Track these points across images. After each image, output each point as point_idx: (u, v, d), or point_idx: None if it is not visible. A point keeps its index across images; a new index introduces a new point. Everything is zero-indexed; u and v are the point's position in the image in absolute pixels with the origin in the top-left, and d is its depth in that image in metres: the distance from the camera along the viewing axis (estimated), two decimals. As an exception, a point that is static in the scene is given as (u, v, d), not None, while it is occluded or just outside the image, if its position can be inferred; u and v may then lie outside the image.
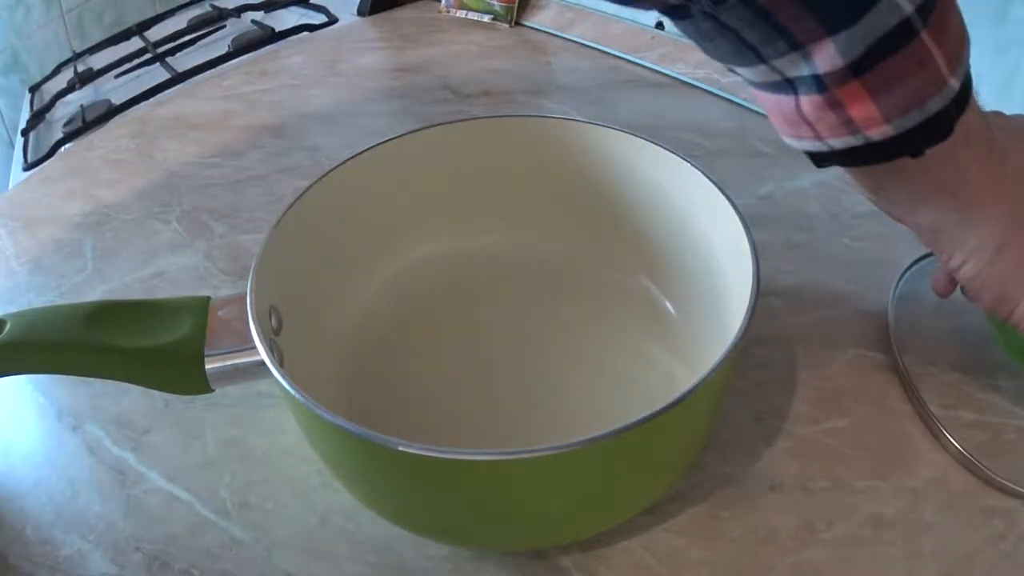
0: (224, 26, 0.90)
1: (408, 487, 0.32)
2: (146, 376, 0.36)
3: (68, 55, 0.96)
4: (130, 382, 0.37)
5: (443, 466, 0.29)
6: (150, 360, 0.36)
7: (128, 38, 0.93)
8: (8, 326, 0.35)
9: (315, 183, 0.41)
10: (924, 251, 0.47)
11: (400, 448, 0.28)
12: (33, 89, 0.92)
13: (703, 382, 0.30)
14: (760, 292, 0.33)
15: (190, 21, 0.93)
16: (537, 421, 0.40)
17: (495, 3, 0.79)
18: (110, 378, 0.37)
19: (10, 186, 0.71)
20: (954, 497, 0.37)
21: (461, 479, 0.30)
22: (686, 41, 0.69)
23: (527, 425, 0.39)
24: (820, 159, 0.32)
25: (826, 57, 0.28)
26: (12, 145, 1.01)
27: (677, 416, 0.30)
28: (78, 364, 0.36)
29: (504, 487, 0.31)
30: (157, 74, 0.77)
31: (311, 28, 0.83)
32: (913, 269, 0.47)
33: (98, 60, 0.88)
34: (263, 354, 0.33)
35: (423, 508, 0.34)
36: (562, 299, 0.46)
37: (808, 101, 0.30)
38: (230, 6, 0.94)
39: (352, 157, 0.42)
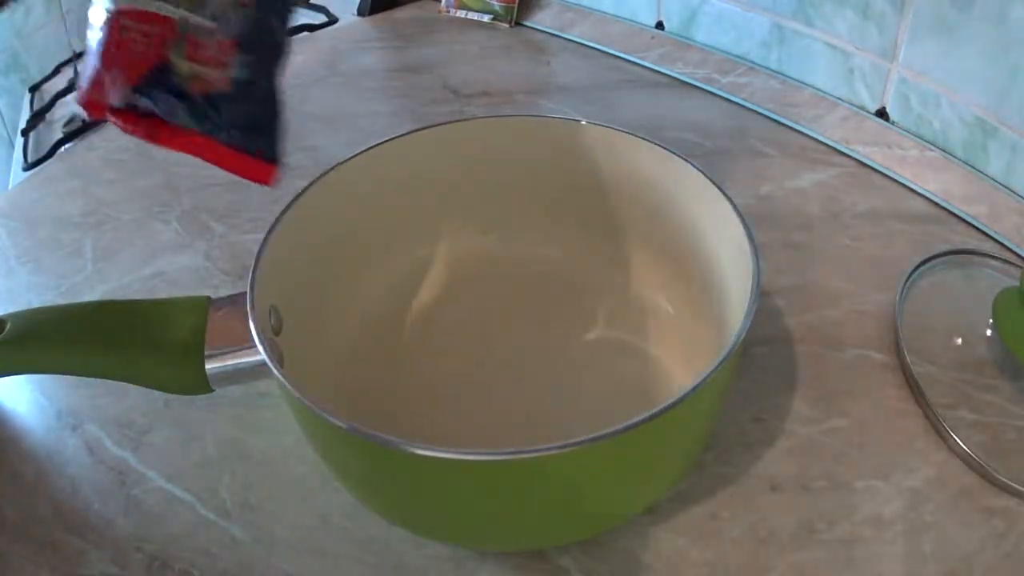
0: (224, 26, 0.89)
1: (408, 487, 0.32)
2: (146, 376, 0.36)
3: (68, 55, 0.96)
4: (130, 382, 0.37)
5: (443, 466, 0.29)
6: (150, 360, 0.36)
7: (128, 38, 0.92)
8: (8, 326, 0.35)
9: (315, 183, 0.41)
10: (928, 252, 0.47)
11: (400, 448, 0.28)
12: (33, 89, 0.92)
13: (703, 382, 0.30)
14: (760, 292, 0.33)
15: (190, 21, 0.92)
16: (537, 421, 0.40)
17: (495, 3, 0.79)
18: (110, 378, 0.37)
19: (10, 186, 0.71)
20: (954, 497, 0.37)
21: (461, 479, 0.30)
22: (686, 41, 0.69)
23: (527, 425, 0.39)
24: None
25: None
26: (12, 145, 1.01)
27: (677, 416, 0.30)
28: (78, 364, 0.36)
29: (504, 487, 0.31)
30: (157, 74, 0.76)
31: (311, 28, 0.83)
32: (918, 271, 0.47)
33: (98, 60, 0.88)
34: (263, 354, 0.33)
35: (423, 508, 0.34)
36: (562, 299, 0.46)
37: None
38: (230, 6, 0.93)
39: (352, 157, 0.42)
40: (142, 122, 0.51)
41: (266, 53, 0.53)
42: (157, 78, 0.48)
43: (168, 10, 0.49)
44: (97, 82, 0.51)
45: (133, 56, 0.50)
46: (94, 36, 0.49)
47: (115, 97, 0.49)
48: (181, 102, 0.45)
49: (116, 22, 0.50)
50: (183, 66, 0.49)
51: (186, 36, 0.49)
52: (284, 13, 0.51)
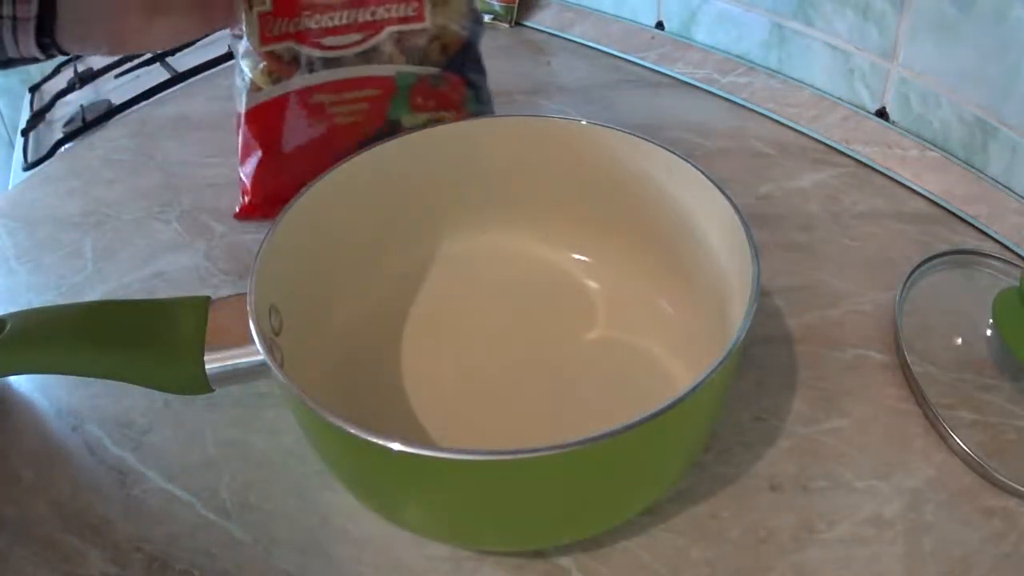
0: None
1: (407, 487, 0.32)
2: (146, 376, 0.36)
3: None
4: (130, 382, 0.37)
5: (443, 466, 0.29)
6: (150, 360, 0.36)
7: (128, 38, 0.92)
8: (8, 326, 0.35)
9: (315, 183, 0.41)
10: (928, 252, 0.47)
11: (399, 448, 0.29)
12: (33, 89, 0.92)
13: (703, 382, 0.30)
14: (760, 292, 0.33)
15: (190, 21, 0.92)
16: (537, 421, 0.40)
17: (495, 3, 0.79)
18: (110, 378, 0.37)
19: (10, 186, 0.71)
20: (954, 497, 0.37)
21: (461, 479, 0.30)
22: (686, 41, 0.69)
23: (527, 425, 0.39)
24: None
25: None
26: (12, 145, 1.01)
27: (677, 416, 0.30)
28: (78, 364, 0.36)
29: (504, 487, 0.31)
30: (157, 74, 0.76)
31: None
32: (918, 271, 0.47)
33: (98, 60, 0.88)
34: (263, 354, 0.33)
35: (423, 508, 0.34)
36: (562, 299, 0.46)
37: None
38: (230, 6, 0.93)
39: (352, 157, 0.42)
40: None
41: (484, 80, 0.51)
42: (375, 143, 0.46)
43: (384, 70, 0.45)
44: (278, 180, 0.46)
45: (341, 134, 0.46)
46: (266, 129, 0.44)
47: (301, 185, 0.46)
48: None
49: (304, 102, 0.45)
50: (411, 119, 0.46)
51: (411, 87, 0.45)
52: (480, 37, 0.49)
